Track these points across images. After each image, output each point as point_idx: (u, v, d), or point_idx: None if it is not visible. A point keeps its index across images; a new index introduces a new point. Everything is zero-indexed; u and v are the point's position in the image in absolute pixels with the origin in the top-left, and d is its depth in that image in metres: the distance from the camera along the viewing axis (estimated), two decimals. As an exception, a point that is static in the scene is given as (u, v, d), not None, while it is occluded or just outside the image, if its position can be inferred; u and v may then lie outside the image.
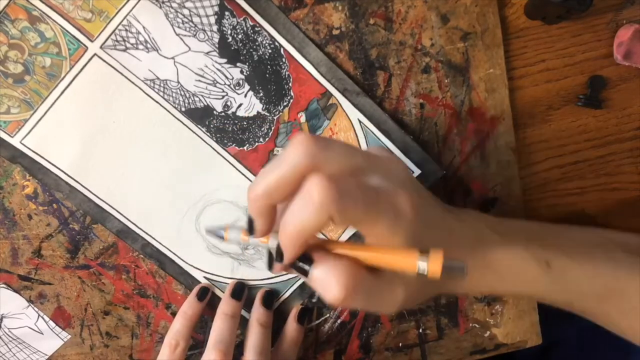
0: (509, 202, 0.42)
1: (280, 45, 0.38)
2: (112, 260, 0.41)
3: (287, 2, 0.38)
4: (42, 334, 0.43)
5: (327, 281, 0.26)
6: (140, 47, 0.37)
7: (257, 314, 0.41)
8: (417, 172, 0.41)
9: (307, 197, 0.24)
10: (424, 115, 0.40)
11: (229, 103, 0.39)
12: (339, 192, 0.24)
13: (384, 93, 0.40)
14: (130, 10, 0.37)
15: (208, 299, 0.42)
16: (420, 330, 0.45)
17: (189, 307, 0.41)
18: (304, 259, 0.27)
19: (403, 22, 0.39)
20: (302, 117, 0.40)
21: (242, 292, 0.42)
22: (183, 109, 0.39)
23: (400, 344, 0.45)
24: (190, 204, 0.41)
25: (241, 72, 0.39)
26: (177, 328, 0.40)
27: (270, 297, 0.42)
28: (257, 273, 0.42)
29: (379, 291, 0.28)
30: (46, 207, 0.40)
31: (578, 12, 0.36)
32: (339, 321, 0.44)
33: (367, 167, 0.28)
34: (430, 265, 0.24)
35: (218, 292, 0.43)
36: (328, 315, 0.44)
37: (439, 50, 0.39)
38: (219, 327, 0.39)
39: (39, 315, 0.42)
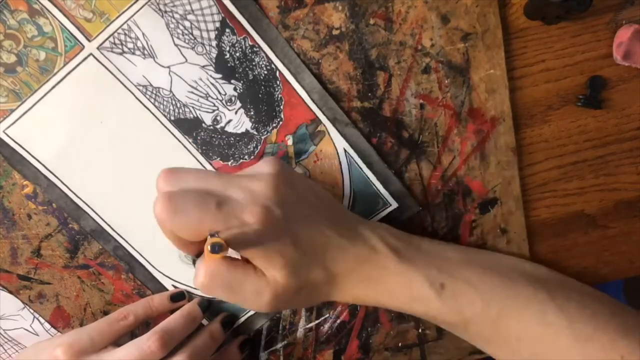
0: (508, 202, 0.42)
1: (277, 68, 0.39)
2: (111, 260, 0.41)
3: (287, 2, 0.38)
4: (37, 335, 0.43)
5: (197, 270, 0.32)
6: (137, 52, 0.38)
7: (214, 327, 0.41)
8: (394, 205, 0.41)
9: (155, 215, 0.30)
10: (424, 115, 0.40)
11: (218, 117, 0.39)
12: (173, 209, 0.29)
13: (384, 93, 0.40)
14: (132, 16, 0.37)
15: (177, 305, 0.42)
16: (420, 330, 0.45)
17: (159, 301, 0.41)
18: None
19: (403, 22, 0.39)
20: (290, 140, 0.40)
21: (208, 308, 0.42)
22: (172, 118, 0.39)
23: (400, 344, 0.45)
24: None
25: (235, 89, 0.39)
26: (137, 308, 0.40)
27: (231, 320, 0.43)
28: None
29: (240, 287, 0.32)
30: (45, 207, 0.40)
31: (578, 12, 0.36)
32: (338, 321, 0.44)
33: (221, 188, 0.32)
34: None
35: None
36: (327, 315, 0.44)
37: (439, 51, 0.39)
38: (175, 320, 0.39)
39: (34, 316, 0.42)
